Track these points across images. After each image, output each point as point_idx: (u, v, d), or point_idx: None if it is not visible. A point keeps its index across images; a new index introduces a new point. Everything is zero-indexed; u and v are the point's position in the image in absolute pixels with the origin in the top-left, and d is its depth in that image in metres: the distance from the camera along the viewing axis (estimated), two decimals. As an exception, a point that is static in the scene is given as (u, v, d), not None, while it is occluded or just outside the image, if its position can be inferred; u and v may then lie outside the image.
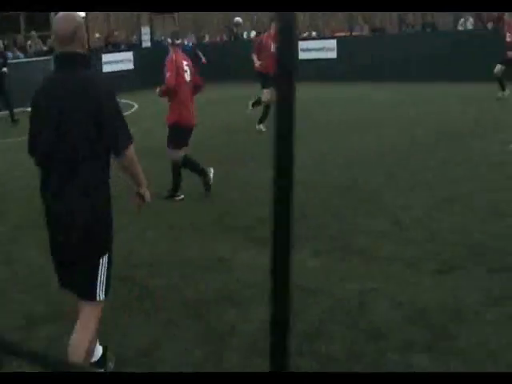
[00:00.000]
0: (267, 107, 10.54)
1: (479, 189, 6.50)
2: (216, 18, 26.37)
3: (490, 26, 16.82)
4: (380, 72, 18.73)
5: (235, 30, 23.79)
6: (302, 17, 24.12)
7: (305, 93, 12.05)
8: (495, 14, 15.96)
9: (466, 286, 4.19)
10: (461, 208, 5.91)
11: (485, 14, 19.44)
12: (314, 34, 22.77)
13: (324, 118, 11.97)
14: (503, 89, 13.21)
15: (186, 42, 20.68)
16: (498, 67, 13.16)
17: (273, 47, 10.38)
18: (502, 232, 5.19)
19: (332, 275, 4.44)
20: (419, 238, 5.12)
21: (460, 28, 20.52)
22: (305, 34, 21.92)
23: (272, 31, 10.53)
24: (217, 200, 6.61)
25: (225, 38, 24.34)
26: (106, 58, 17.89)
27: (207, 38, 24.25)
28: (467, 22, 20.62)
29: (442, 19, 22.04)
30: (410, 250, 4.86)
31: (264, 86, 10.56)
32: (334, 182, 7.13)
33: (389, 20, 23.66)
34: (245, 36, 23.97)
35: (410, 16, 21.91)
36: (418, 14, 21.67)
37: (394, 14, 23.54)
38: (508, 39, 13.18)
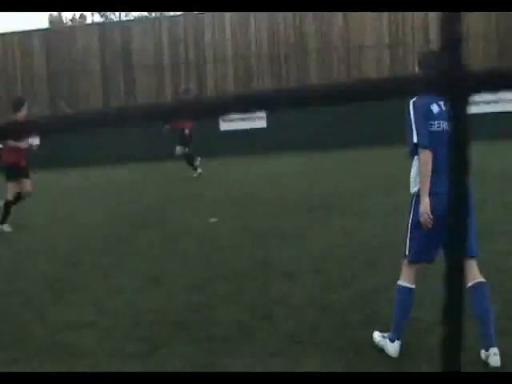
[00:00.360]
0: (8, 205, 9.31)
1: (183, 265, 6.79)
2: None
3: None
4: (70, 157, 18.55)
5: None
6: None
7: None
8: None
9: (171, 362, 4.28)
10: (165, 286, 6.08)
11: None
12: None
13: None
14: (194, 168, 14.22)
15: None
16: (177, 149, 14.20)
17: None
18: (203, 303, 5.47)
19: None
20: (123, 325, 5.09)
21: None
22: None
23: (22, 112, 8.72)
24: None
25: None
26: None
27: None
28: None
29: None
30: (114, 338, 4.80)
31: (12, 179, 9.21)
32: (36, 274, 6.79)
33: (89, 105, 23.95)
34: None
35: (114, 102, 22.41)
36: (121, 101, 22.35)
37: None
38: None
